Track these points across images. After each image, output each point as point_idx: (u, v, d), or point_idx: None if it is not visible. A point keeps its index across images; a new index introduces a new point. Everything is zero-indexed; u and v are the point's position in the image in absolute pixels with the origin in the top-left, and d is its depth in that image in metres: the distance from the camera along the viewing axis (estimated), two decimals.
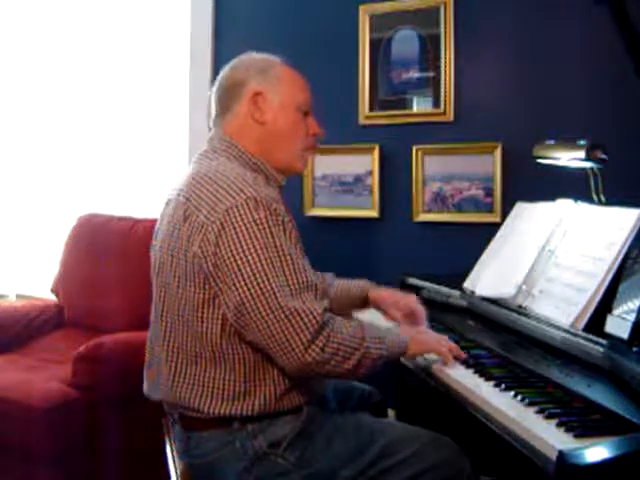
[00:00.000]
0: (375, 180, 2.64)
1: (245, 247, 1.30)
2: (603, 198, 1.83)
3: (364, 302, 1.79)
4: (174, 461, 1.54)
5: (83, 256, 2.84)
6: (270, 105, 1.49)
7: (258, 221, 1.31)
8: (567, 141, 1.85)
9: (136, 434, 2.19)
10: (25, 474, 2.16)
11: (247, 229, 1.31)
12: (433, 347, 1.51)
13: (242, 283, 1.29)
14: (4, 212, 3.63)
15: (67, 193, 3.47)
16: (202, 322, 1.36)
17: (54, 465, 2.11)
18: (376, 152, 2.63)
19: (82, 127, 3.43)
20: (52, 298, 2.97)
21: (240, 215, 1.31)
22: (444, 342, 1.54)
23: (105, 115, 3.37)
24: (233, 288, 1.30)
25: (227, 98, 1.52)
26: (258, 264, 1.29)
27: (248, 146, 1.48)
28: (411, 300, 1.75)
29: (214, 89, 1.56)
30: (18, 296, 3.54)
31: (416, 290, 2.13)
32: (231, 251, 1.30)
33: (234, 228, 1.31)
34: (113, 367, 2.18)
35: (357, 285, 1.80)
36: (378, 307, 1.79)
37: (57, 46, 3.46)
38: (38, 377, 2.27)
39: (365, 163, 2.65)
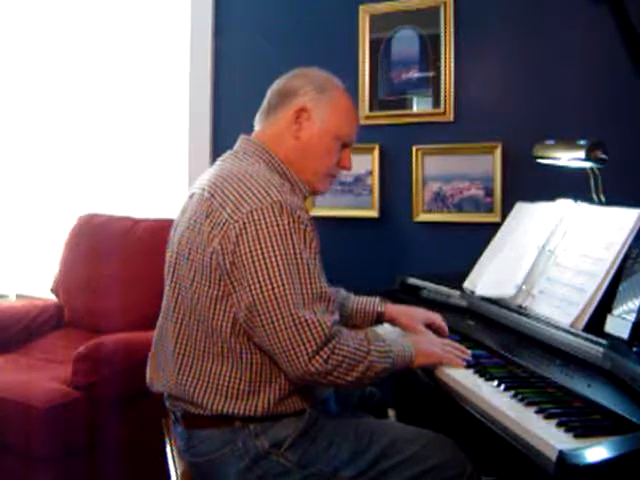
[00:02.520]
0: (375, 180, 2.64)
1: (264, 250, 1.30)
2: (603, 198, 1.83)
3: (379, 317, 1.78)
4: (174, 461, 1.54)
5: (83, 256, 2.84)
6: (311, 124, 1.50)
7: (280, 226, 1.32)
8: (567, 141, 1.85)
9: (136, 434, 2.19)
10: (25, 474, 2.15)
11: (269, 232, 1.31)
12: (439, 358, 1.50)
13: (256, 285, 1.30)
14: (4, 212, 3.63)
15: (67, 193, 3.47)
16: (214, 318, 1.36)
17: (54, 465, 2.11)
18: (376, 152, 2.63)
19: (82, 127, 3.43)
20: (52, 298, 2.96)
21: (264, 218, 1.32)
22: (449, 348, 1.53)
23: (105, 114, 3.37)
24: (247, 288, 1.31)
25: (276, 101, 1.53)
26: (275, 268, 1.30)
27: (279, 154, 1.49)
28: (434, 317, 1.74)
29: (272, 87, 1.56)
30: (18, 296, 3.54)
31: (416, 290, 2.13)
32: (250, 251, 1.31)
33: (256, 230, 1.31)
34: (113, 367, 2.18)
35: (372, 301, 1.78)
36: (393, 322, 1.78)
37: (57, 45, 3.46)
38: (38, 377, 2.27)
39: (365, 163, 2.65)
